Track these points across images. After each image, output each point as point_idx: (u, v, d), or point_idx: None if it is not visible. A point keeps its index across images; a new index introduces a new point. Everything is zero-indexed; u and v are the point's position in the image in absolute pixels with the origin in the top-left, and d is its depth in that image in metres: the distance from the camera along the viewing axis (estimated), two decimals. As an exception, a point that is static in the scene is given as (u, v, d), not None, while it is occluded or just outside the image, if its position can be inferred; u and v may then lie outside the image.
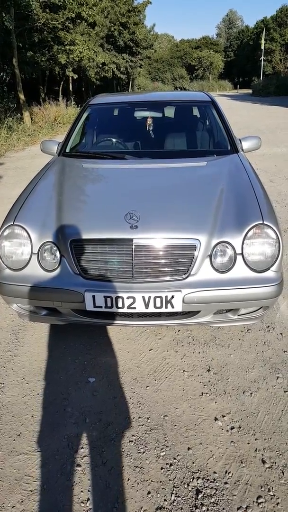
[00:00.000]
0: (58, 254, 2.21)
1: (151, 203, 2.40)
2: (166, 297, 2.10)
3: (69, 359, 2.50)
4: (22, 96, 14.17)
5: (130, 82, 31.99)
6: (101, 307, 2.13)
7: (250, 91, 42.50)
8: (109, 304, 2.12)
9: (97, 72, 22.25)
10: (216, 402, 2.17)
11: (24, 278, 2.23)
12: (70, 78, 20.78)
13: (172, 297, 2.10)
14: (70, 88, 22.34)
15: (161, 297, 2.10)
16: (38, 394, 2.23)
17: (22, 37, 13.75)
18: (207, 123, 3.89)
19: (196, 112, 4.14)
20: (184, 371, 2.39)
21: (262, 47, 44.78)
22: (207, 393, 2.23)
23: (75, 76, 19.17)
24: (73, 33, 15.20)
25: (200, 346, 2.59)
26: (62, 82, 21.22)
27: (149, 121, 3.75)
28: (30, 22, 13.08)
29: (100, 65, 21.65)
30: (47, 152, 3.55)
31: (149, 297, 2.10)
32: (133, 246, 2.12)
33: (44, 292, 2.20)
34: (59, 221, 2.30)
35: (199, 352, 2.54)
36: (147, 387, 2.27)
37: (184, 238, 2.16)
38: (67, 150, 3.47)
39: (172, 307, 2.12)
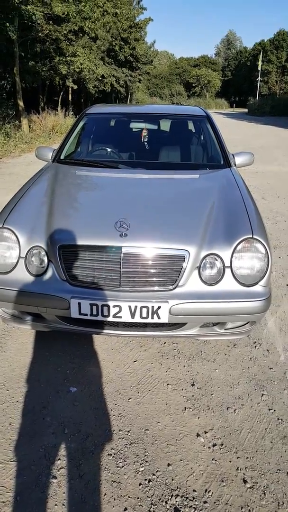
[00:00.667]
0: (46, 259, 2.18)
1: (142, 213, 2.39)
2: (152, 307, 2.07)
3: (52, 367, 2.44)
4: (21, 104, 14.24)
5: (129, 96, 32.33)
6: (86, 314, 2.10)
7: (245, 110, 43.33)
8: (94, 312, 2.08)
9: (96, 85, 22.48)
10: (199, 417, 2.13)
11: (10, 282, 2.18)
12: (70, 88, 20.95)
13: (159, 307, 2.07)
14: (70, 99, 22.51)
15: (147, 307, 2.07)
16: (17, 401, 2.17)
17: (25, 47, 13.86)
18: (202, 137, 3.92)
19: (191, 126, 4.17)
20: (168, 384, 2.34)
21: (259, 68, 45.68)
22: (190, 408, 2.18)
23: (75, 87, 19.32)
24: (75, 45, 15.37)
25: (186, 360, 2.55)
26: (61, 93, 21.37)
27: (144, 132, 3.77)
28: (33, 33, 13.20)
29: (100, 78, 21.87)
30: (41, 158, 3.54)
31: (136, 307, 2.07)
32: (122, 254, 2.10)
33: (29, 297, 2.16)
34: (48, 226, 2.27)
35: (184, 366, 2.50)
36: (129, 399, 2.22)
37: (173, 248, 2.14)
38: (62, 157, 3.46)
39: (158, 317, 2.09)
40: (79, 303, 2.08)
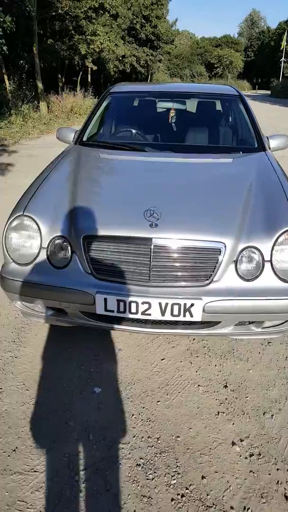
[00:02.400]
0: (69, 250, 2.02)
1: (173, 200, 2.19)
2: (185, 304, 1.89)
3: (74, 364, 2.29)
4: (40, 85, 13.98)
5: (149, 77, 31.59)
6: (113, 311, 1.94)
7: (268, 92, 41.95)
8: (121, 309, 1.92)
9: (116, 65, 22.00)
10: (233, 423, 1.96)
11: (31, 274, 2.04)
12: (89, 69, 20.53)
13: (192, 305, 1.89)
14: (89, 79, 22.09)
15: (179, 304, 1.89)
16: (38, 403, 2.03)
17: (44, 24, 13.55)
18: (234, 118, 3.65)
19: (222, 106, 3.89)
20: (199, 386, 2.18)
21: (283, 48, 43.75)
22: (223, 413, 2.02)
23: (95, 67, 18.91)
24: (95, 23, 14.94)
25: (217, 358, 2.38)
26: (81, 73, 20.98)
27: (172, 113, 3.52)
28: (53, 10, 12.85)
29: (120, 58, 21.38)
30: (63, 140, 3.34)
31: (166, 304, 1.89)
32: (152, 247, 1.92)
33: (51, 291, 2.01)
34: (72, 215, 2.10)
35: (215, 365, 2.32)
36: (158, 402, 2.06)
37: (208, 240, 1.95)
38: (84, 139, 3.25)
39: (191, 316, 1.92)
40: (105, 299, 1.92)
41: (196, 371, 2.28)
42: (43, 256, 2.04)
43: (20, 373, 2.23)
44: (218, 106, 3.86)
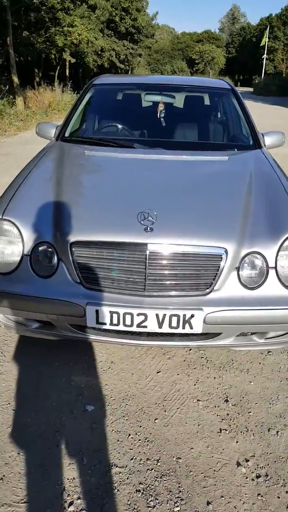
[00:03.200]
0: (55, 257, 1.84)
1: (168, 202, 2.04)
2: (184, 315, 1.75)
3: (63, 380, 2.12)
4: (15, 79, 13.53)
5: (130, 72, 31.19)
6: (105, 324, 1.79)
7: (251, 89, 42.02)
8: (115, 321, 1.77)
9: (95, 59, 21.61)
10: (237, 441, 1.83)
11: (13, 284, 1.86)
12: (67, 63, 20.08)
13: (192, 316, 1.75)
14: (67, 74, 21.62)
15: (178, 316, 1.75)
16: (25, 424, 1.85)
17: (18, 15, 13.10)
18: (227, 114, 3.51)
19: (215, 100, 3.73)
20: (198, 400, 2.04)
21: (263, 43, 43.46)
22: (226, 430, 1.88)
23: (73, 60, 18.46)
24: (72, 14, 14.54)
25: (216, 370, 2.24)
26: (58, 67, 20.52)
27: (161, 107, 3.35)
28: (27, 0, 12.43)
29: (99, 52, 21.00)
30: (43, 136, 3.13)
31: (164, 315, 1.75)
32: (147, 253, 1.77)
33: (36, 303, 1.83)
34: (57, 218, 1.93)
35: (214, 377, 2.19)
36: (155, 419, 1.91)
37: (209, 246, 1.81)
38: (67, 134, 3.06)
39: (191, 327, 1.78)
40: (97, 311, 1.76)
41: (195, 384, 2.13)
42: (26, 264, 1.86)
43: (4, 391, 2.04)
44: (210, 101, 3.69)
